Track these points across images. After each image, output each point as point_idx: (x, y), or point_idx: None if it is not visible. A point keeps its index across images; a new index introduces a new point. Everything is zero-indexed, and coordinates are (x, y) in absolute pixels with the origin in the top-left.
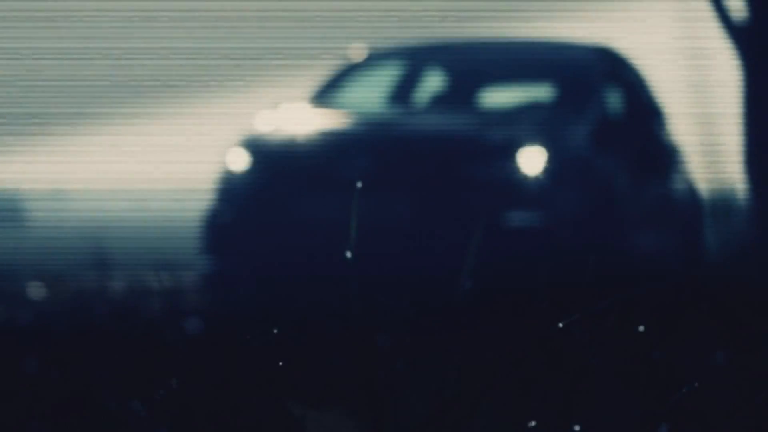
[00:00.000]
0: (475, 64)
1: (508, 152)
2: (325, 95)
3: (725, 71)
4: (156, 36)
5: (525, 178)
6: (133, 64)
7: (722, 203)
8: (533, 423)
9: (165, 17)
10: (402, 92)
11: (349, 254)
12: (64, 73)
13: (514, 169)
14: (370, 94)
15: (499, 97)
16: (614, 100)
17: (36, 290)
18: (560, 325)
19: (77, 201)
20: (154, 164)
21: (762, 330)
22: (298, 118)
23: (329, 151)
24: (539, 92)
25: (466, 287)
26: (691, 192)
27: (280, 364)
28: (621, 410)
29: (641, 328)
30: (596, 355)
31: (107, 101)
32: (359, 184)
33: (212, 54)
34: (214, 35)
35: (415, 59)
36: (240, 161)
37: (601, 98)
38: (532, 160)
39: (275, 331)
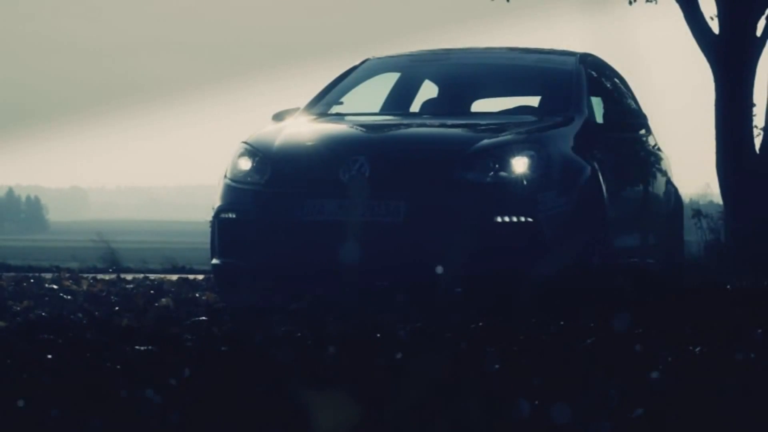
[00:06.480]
0: (465, 74)
1: (496, 159)
2: (326, 101)
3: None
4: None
5: (514, 183)
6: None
7: (699, 204)
8: (521, 404)
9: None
10: (398, 100)
11: (345, 254)
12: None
13: (503, 175)
14: (368, 101)
15: (487, 105)
16: (598, 106)
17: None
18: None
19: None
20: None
21: (735, 323)
22: (301, 123)
23: (331, 154)
24: (525, 100)
25: (456, 287)
26: (671, 194)
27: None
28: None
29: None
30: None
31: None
32: (358, 186)
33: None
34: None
35: (411, 69)
36: (246, 163)
37: (584, 105)
38: (520, 167)
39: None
